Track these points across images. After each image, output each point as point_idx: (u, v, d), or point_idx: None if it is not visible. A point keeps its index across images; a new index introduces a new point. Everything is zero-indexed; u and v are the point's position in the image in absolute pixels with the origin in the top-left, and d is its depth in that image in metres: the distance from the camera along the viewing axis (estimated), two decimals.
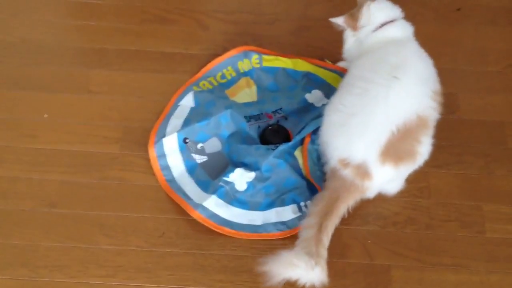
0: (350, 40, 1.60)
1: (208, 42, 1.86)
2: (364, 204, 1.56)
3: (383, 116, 1.40)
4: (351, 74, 1.52)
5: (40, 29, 1.85)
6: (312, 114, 1.67)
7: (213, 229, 1.51)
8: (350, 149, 1.43)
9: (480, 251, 1.53)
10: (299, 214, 1.53)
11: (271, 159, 1.56)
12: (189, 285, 1.46)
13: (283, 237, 1.51)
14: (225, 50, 1.84)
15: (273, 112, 1.69)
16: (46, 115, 1.70)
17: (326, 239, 1.39)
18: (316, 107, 1.69)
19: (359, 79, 1.46)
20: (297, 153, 1.61)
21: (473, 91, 1.80)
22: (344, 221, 1.50)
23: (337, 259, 1.50)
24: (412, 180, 1.60)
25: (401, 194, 1.59)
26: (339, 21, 1.58)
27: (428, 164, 1.55)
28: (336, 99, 1.50)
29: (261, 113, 1.68)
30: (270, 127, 1.65)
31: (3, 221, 1.53)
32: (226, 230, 1.51)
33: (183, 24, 1.90)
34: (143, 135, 1.67)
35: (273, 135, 1.64)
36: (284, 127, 1.66)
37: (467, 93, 1.79)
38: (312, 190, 1.56)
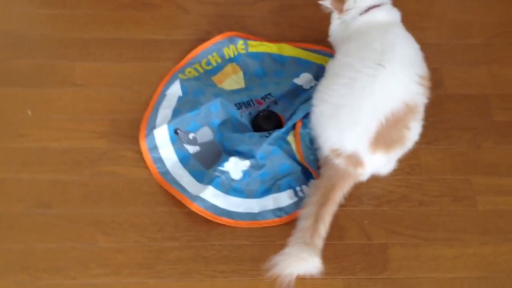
0: (336, 23, 1.59)
1: (190, 26, 1.82)
2: (357, 185, 1.58)
3: (370, 107, 1.41)
4: (337, 61, 1.51)
5: (17, 20, 1.79)
6: (301, 97, 1.67)
7: (212, 219, 1.51)
8: (341, 141, 1.44)
9: (472, 224, 1.57)
10: (295, 199, 1.54)
11: (266, 146, 1.56)
12: (192, 277, 1.47)
13: (281, 223, 1.52)
14: (208, 33, 1.81)
15: (262, 97, 1.68)
16: (29, 112, 1.65)
17: (323, 228, 1.41)
18: (305, 90, 1.69)
19: (346, 68, 1.45)
20: (290, 138, 1.61)
21: (457, 65, 1.81)
22: (339, 203, 1.52)
23: (336, 241, 1.52)
24: (403, 158, 1.61)
25: (394, 172, 1.61)
26: (326, 3, 1.56)
27: (418, 141, 1.58)
28: (323, 88, 1.50)
29: (251, 100, 1.67)
30: (261, 114, 1.64)
31: None
32: (225, 220, 1.51)
33: (163, 8, 1.86)
34: (130, 126, 1.64)
35: (265, 121, 1.63)
36: (275, 112, 1.65)
37: (451, 66, 1.80)
38: (307, 174, 1.57)
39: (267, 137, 1.58)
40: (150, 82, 1.71)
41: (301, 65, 1.74)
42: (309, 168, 1.56)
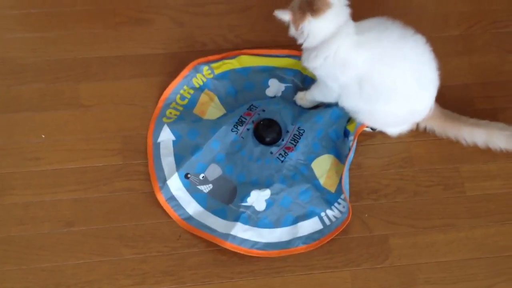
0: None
1: (187, 39, 1.91)
2: (356, 182, 1.72)
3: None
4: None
5: (17, 46, 1.86)
6: (278, 102, 1.77)
7: (246, 254, 1.60)
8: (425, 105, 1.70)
9: (463, 210, 1.71)
10: (321, 226, 1.65)
11: (286, 171, 1.66)
12: (212, 281, 1.60)
13: (311, 249, 1.63)
14: (204, 45, 1.90)
15: (248, 109, 1.75)
16: (43, 136, 1.75)
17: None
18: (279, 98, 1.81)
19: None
20: (315, 165, 1.70)
21: (440, 57, 1.90)
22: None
23: (341, 235, 1.66)
24: (395, 151, 1.76)
25: (388, 166, 1.75)
26: None
27: (407, 134, 1.74)
28: (366, 103, 1.65)
29: (240, 116, 1.74)
30: (261, 122, 1.72)
31: (26, 247, 1.61)
32: (258, 252, 1.60)
33: (158, 22, 1.93)
34: (142, 142, 1.74)
35: (266, 130, 1.71)
36: (272, 119, 1.73)
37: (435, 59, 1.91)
38: (328, 200, 1.68)
39: (282, 161, 1.67)
40: (155, 97, 1.80)
41: (264, 71, 1.83)
42: (346, 196, 1.65)
